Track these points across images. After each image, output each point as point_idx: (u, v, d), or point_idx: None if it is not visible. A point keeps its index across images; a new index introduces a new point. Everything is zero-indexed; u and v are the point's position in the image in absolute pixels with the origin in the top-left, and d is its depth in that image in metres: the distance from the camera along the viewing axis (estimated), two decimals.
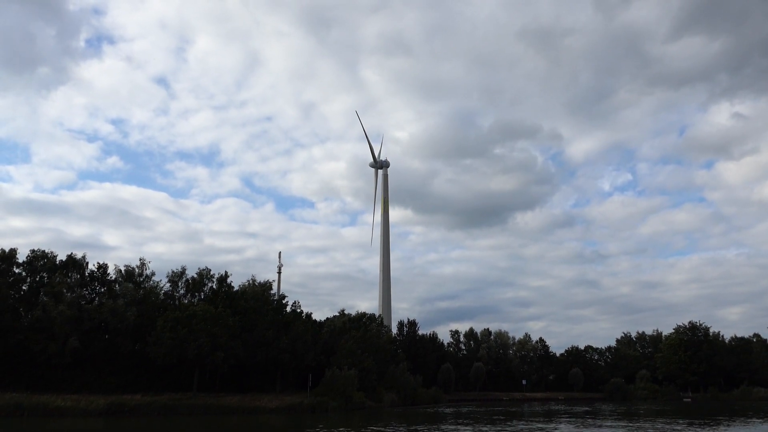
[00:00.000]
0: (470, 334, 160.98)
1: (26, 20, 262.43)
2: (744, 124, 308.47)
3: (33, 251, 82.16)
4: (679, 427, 53.33)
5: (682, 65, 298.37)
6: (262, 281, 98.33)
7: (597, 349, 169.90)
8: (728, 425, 57.48)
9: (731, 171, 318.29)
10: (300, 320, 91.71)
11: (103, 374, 77.85)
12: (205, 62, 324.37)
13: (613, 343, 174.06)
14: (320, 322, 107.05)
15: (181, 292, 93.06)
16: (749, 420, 63.90)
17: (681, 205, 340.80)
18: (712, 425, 57.06)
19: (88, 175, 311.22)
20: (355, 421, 62.98)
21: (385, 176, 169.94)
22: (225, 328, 78.20)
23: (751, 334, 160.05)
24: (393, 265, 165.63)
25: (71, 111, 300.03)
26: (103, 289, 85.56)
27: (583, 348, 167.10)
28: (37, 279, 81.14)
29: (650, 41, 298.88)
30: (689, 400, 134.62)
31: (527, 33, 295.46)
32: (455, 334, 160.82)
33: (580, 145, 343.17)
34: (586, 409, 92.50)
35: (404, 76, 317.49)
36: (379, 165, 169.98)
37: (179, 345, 74.42)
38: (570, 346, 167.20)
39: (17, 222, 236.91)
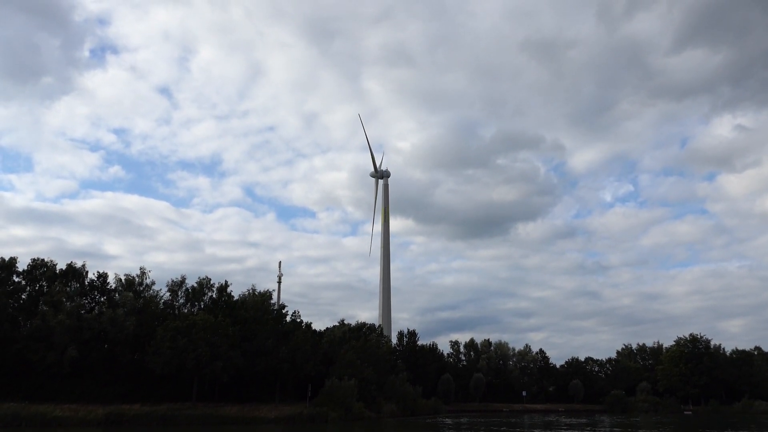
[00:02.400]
0: (470, 344, 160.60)
1: (31, 31, 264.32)
2: (746, 136, 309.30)
3: (33, 260, 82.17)
4: None
5: (684, 77, 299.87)
6: (262, 291, 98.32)
7: (597, 360, 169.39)
8: None
9: (733, 183, 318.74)
10: (300, 330, 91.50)
11: (101, 384, 77.55)
12: (208, 72, 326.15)
13: (614, 355, 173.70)
14: (320, 332, 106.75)
15: (181, 301, 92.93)
16: None
17: (683, 216, 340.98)
18: None
19: (90, 185, 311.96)
20: (354, 431, 62.73)
21: (386, 186, 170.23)
22: (224, 337, 78.03)
23: (753, 346, 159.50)
24: (394, 275, 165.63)
25: (74, 121, 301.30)
26: (102, 299, 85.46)
27: (583, 359, 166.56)
28: (37, 288, 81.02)
29: (652, 53, 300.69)
30: (690, 412, 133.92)
31: (530, 44, 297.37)
32: (455, 344, 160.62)
33: (582, 156, 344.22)
34: (586, 420, 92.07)
35: (407, 86, 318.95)
36: (380, 175, 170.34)
37: (178, 355, 74.24)
38: (570, 357, 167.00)
39: (19, 231, 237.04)
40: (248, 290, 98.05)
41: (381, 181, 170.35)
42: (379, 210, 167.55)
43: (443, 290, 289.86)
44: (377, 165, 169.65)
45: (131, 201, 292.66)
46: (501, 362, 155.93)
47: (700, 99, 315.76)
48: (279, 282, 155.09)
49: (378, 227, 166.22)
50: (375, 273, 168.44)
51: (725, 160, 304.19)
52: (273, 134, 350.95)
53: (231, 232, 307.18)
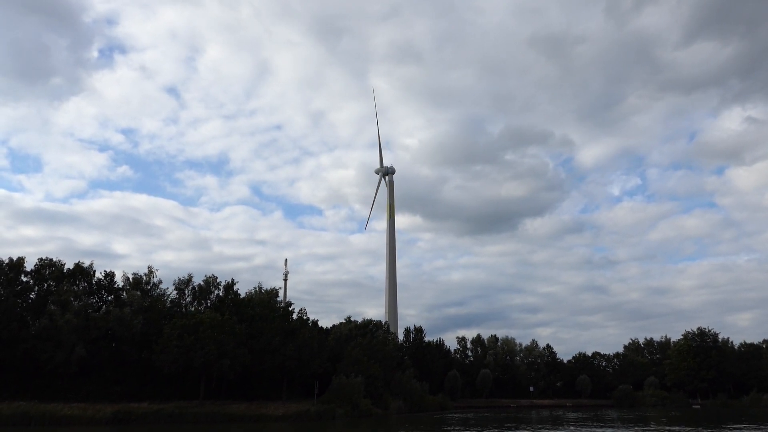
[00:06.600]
0: (477, 340, 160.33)
1: (40, 31, 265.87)
2: (756, 128, 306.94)
3: (40, 260, 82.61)
4: None
5: (694, 71, 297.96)
6: (268, 288, 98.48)
7: (605, 355, 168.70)
8: None
9: (742, 177, 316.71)
10: (306, 327, 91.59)
11: (109, 383, 77.96)
12: (216, 71, 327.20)
13: (621, 350, 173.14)
14: (327, 330, 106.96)
15: (188, 299, 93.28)
16: (759, 427, 63.22)
17: (691, 210, 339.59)
18: None
19: (98, 184, 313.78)
20: (362, 428, 62.83)
21: (391, 183, 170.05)
22: (231, 335, 78.22)
23: (761, 340, 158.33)
24: (401, 271, 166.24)
25: (82, 121, 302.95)
26: (110, 298, 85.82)
27: (590, 354, 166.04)
28: (45, 287, 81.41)
29: (661, 47, 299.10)
30: (698, 407, 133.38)
31: (538, 40, 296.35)
32: (462, 340, 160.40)
33: (591, 151, 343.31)
34: (594, 415, 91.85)
35: (414, 83, 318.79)
36: (385, 172, 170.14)
37: (186, 353, 74.47)
38: (578, 352, 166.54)
39: (28, 231, 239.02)
40: (255, 288, 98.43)
41: (386, 178, 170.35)
42: (383, 205, 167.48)
43: (450, 286, 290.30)
44: (382, 162, 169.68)
45: (139, 200, 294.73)
46: (508, 358, 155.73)
47: (710, 92, 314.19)
48: (285, 280, 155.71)
49: (383, 223, 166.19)
50: (382, 270, 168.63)
51: (734, 153, 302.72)
52: (280, 133, 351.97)
53: (238, 231, 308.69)
